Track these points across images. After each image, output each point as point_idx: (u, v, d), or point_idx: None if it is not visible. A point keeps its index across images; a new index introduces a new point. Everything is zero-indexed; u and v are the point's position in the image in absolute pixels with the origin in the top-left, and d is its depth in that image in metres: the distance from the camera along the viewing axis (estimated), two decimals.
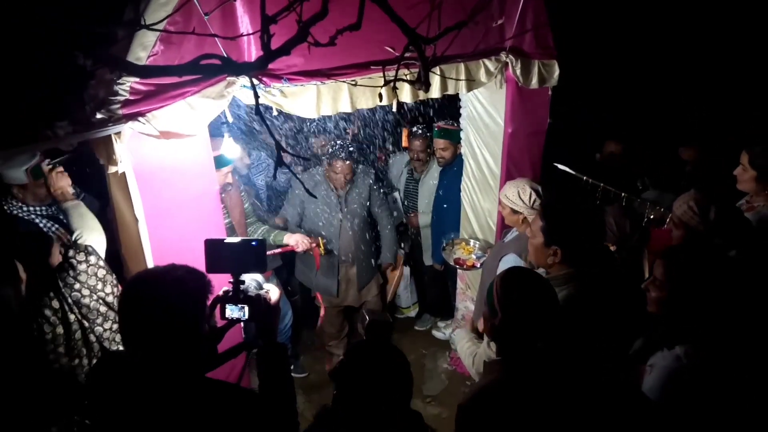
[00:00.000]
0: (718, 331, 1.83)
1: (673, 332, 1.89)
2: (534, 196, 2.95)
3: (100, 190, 2.66)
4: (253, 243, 1.75)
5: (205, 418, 1.47)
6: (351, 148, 3.75)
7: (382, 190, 4.05)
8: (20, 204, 2.76)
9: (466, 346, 2.30)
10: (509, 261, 2.82)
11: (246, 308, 1.72)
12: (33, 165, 2.67)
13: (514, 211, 3.01)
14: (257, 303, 1.72)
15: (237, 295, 1.72)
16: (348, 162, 3.72)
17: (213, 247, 1.77)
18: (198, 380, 1.53)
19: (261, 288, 1.79)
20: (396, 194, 4.51)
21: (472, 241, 3.94)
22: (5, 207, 2.74)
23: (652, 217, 3.22)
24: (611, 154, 4.09)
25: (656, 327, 2.05)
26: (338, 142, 3.78)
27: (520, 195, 2.95)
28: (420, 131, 4.30)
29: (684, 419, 1.79)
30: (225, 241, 1.79)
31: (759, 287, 2.07)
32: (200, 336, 1.53)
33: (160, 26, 2.03)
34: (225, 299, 1.73)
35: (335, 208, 3.87)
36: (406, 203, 4.58)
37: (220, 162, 3.03)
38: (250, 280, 1.79)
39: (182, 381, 1.48)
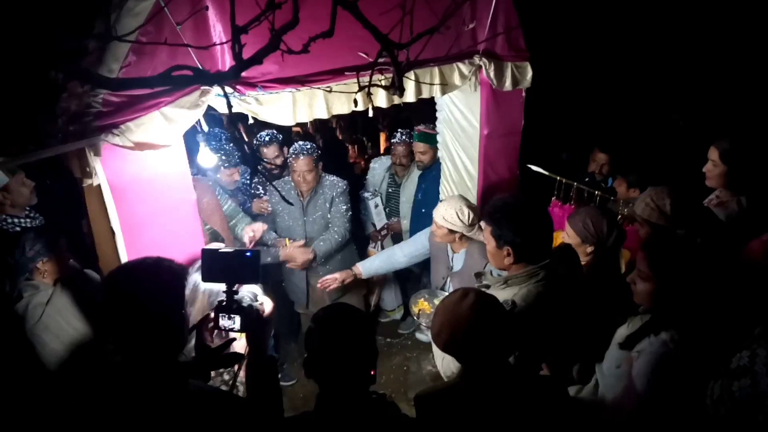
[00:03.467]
0: (700, 316, 1.89)
1: (659, 320, 1.94)
2: (472, 214, 2.97)
3: (76, 202, 2.62)
4: (248, 254, 1.75)
5: (193, 424, 1.47)
6: (309, 146, 3.66)
7: (345, 207, 3.89)
8: (5, 216, 2.70)
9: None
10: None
11: (238, 318, 1.72)
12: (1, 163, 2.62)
13: (452, 231, 3.03)
14: (249, 314, 1.73)
15: (230, 305, 1.73)
16: (303, 158, 3.59)
17: (209, 257, 1.78)
18: (184, 385, 1.53)
19: (256, 300, 1.79)
20: (377, 199, 4.51)
21: (426, 296, 3.41)
22: None
23: (625, 213, 3.29)
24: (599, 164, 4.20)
25: (635, 316, 2.11)
26: (299, 142, 3.72)
27: (459, 216, 2.96)
28: (404, 137, 4.31)
29: (672, 402, 1.85)
30: (220, 250, 1.79)
31: (726, 273, 2.14)
32: (181, 322, 1.55)
33: (132, 37, 2.02)
34: (218, 308, 1.73)
35: (299, 217, 3.83)
36: (387, 209, 4.57)
37: None
38: (246, 291, 1.79)
39: (167, 382, 1.48)
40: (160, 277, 1.52)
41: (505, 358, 1.84)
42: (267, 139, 4.21)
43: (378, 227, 4.52)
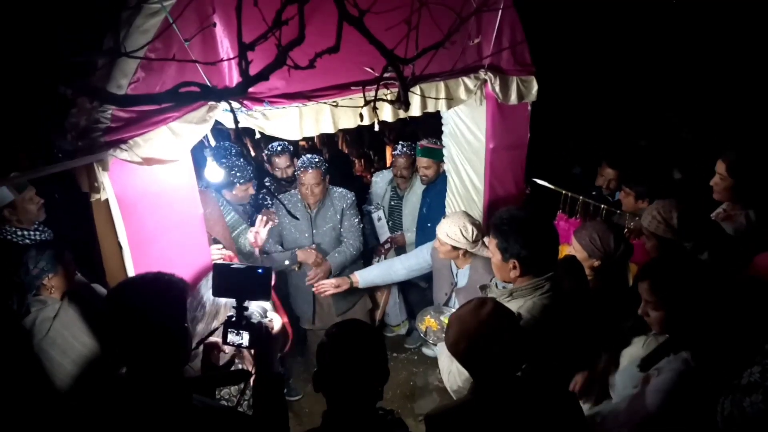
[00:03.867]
0: (715, 334, 1.88)
1: (676, 341, 1.93)
2: (476, 231, 2.97)
3: (89, 216, 2.63)
4: (259, 271, 1.75)
5: None
6: (317, 159, 3.69)
7: (356, 219, 3.94)
8: (14, 229, 2.72)
9: (446, 362, 2.31)
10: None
11: (246, 335, 1.72)
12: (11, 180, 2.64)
13: (455, 248, 3.03)
14: (258, 330, 1.72)
15: (239, 321, 1.73)
16: (311, 171, 3.62)
17: (220, 272, 1.78)
18: (188, 400, 1.53)
19: (265, 316, 1.79)
20: (380, 212, 4.50)
21: (432, 313, 3.31)
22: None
23: (632, 226, 3.27)
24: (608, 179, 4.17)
25: (647, 336, 2.09)
26: (307, 155, 3.74)
27: (463, 233, 2.95)
28: (405, 149, 4.32)
29: (683, 420, 1.83)
30: (231, 266, 1.79)
31: (734, 287, 2.13)
32: (183, 336, 1.55)
33: (141, 53, 2.05)
34: (227, 324, 1.73)
35: (308, 230, 3.84)
36: (390, 222, 4.56)
37: None
38: (256, 306, 1.79)
39: (170, 396, 1.48)
40: (160, 292, 1.53)
41: (516, 371, 1.83)
42: (279, 149, 4.28)
43: (381, 241, 4.51)
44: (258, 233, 3.46)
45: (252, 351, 1.80)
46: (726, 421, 1.67)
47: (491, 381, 1.79)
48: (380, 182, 4.64)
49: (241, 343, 1.72)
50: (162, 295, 1.53)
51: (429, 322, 3.20)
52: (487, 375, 1.80)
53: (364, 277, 3.62)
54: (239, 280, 1.75)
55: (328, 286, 3.55)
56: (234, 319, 1.73)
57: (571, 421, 1.80)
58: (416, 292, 4.69)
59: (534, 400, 1.76)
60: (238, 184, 3.70)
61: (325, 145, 6.54)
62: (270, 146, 4.38)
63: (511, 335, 1.79)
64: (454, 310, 3.15)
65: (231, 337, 1.73)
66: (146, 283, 1.56)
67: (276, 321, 1.79)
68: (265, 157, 4.53)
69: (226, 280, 1.77)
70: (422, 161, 4.18)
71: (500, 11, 3.07)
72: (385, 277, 3.70)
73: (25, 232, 2.74)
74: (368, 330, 1.72)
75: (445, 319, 3.15)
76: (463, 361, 1.85)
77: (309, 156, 3.72)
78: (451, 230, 2.99)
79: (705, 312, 1.87)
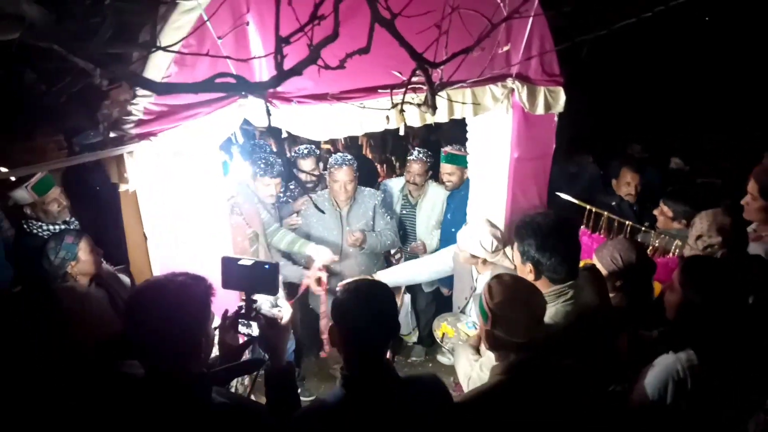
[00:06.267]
0: (722, 339, 1.91)
1: (681, 336, 1.97)
2: (495, 242, 2.93)
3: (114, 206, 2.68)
4: (266, 266, 1.78)
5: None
6: (349, 157, 3.73)
7: (389, 216, 4.00)
8: (39, 223, 2.78)
9: (466, 368, 2.30)
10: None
11: (255, 325, 1.75)
12: (34, 182, 2.70)
13: (474, 256, 3.02)
14: (268, 321, 1.75)
15: (248, 312, 1.77)
16: (345, 168, 3.66)
17: (227, 265, 1.81)
18: (207, 395, 1.53)
19: (274, 306, 1.82)
20: (393, 223, 4.34)
21: (449, 319, 3.30)
22: (24, 226, 2.76)
23: (657, 245, 3.20)
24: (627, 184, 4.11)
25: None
26: (338, 154, 3.78)
27: (482, 244, 2.93)
28: (421, 155, 4.22)
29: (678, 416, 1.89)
30: (239, 261, 1.82)
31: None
32: (206, 339, 1.55)
33: (175, 48, 2.09)
34: (237, 315, 1.77)
35: (337, 228, 3.85)
36: (401, 231, 4.42)
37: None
38: (265, 297, 1.82)
39: (191, 392, 1.48)
40: (184, 305, 1.48)
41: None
42: (305, 152, 4.33)
43: (392, 251, 4.46)
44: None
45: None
46: None
47: (521, 362, 1.82)
48: (391, 191, 4.54)
49: (250, 333, 1.76)
50: (184, 310, 1.47)
51: (445, 329, 3.18)
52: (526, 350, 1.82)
53: (386, 277, 3.60)
54: (247, 275, 1.78)
55: None
56: (243, 310, 1.77)
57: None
58: (423, 299, 4.65)
59: (560, 380, 1.81)
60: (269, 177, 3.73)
61: (348, 148, 6.57)
62: (296, 149, 4.43)
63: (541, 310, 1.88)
64: (471, 318, 3.15)
65: (241, 328, 1.78)
66: (169, 293, 1.48)
67: (285, 311, 1.81)
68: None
69: (234, 274, 1.80)
70: (446, 167, 4.15)
71: (531, 19, 3.06)
72: (409, 278, 3.72)
73: (51, 226, 2.79)
74: (380, 285, 1.76)
75: (461, 326, 3.13)
76: (499, 320, 1.85)
77: (341, 154, 3.79)
78: (471, 240, 2.98)
79: (717, 313, 1.90)
